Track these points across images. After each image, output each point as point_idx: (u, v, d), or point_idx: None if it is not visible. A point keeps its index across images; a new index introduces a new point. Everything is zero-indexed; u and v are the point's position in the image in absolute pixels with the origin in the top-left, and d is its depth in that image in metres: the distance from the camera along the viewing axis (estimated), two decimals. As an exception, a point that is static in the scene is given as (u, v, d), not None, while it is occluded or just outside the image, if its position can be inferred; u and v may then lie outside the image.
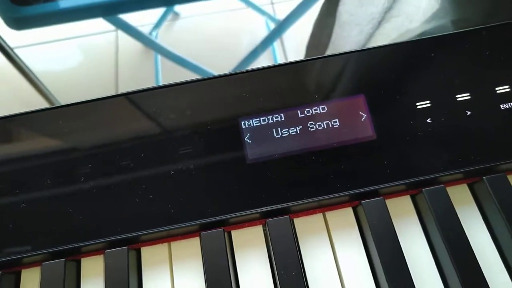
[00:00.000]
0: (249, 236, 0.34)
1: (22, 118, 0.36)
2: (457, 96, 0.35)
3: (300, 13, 0.51)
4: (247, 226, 0.34)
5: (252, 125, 0.35)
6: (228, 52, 0.49)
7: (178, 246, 0.34)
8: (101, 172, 0.34)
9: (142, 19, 0.51)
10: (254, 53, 0.48)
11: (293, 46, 0.49)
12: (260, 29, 0.51)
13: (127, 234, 0.32)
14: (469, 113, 0.35)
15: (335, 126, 0.35)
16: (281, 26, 0.50)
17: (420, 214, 0.34)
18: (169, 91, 0.36)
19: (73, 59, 0.50)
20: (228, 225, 0.34)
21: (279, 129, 0.35)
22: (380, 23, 0.47)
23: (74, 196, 0.34)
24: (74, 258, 0.34)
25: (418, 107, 0.35)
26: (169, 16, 0.52)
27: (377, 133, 0.34)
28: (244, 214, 0.33)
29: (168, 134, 0.35)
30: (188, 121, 0.35)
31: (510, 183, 0.33)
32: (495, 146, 0.34)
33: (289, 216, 0.33)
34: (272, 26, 0.51)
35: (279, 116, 0.35)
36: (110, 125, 0.36)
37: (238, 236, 0.34)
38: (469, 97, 0.35)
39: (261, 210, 0.33)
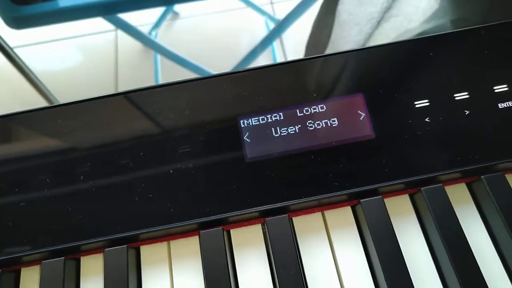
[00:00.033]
0: (248, 235, 0.34)
1: (21, 117, 0.37)
2: (455, 95, 0.35)
3: (299, 13, 0.51)
4: (246, 225, 0.34)
5: (251, 124, 0.35)
6: (227, 52, 0.49)
7: (177, 244, 0.34)
8: (100, 171, 0.34)
9: (142, 18, 0.52)
10: (254, 53, 0.48)
11: (293, 46, 0.49)
12: (260, 28, 0.51)
13: (127, 233, 0.33)
14: (467, 112, 0.35)
15: (334, 125, 0.35)
16: (281, 26, 0.50)
17: (419, 213, 0.35)
18: (168, 90, 0.36)
19: (73, 58, 0.50)
20: (227, 224, 0.34)
21: (278, 128, 0.35)
22: (379, 22, 0.47)
23: (74, 195, 0.34)
24: (73, 257, 0.34)
25: (417, 106, 0.35)
26: (169, 16, 0.52)
27: (375, 132, 0.35)
28: (243, 213, 0.33)
29: (167, 133, 0.35)
30: (187, 120, 0.35)
31: (508, 182, 0.33)
32: (493, 145, 0.34)
33: (288, 215, 0.33)
34: (272, 25, 0.51)
35: (278, 115, 0.35)
36: (109, 124, 0.36)
37: (237, 235, 0.34)
38: (467, 96, 0.35)
39: (260, 209, 0.33)
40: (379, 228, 0.32)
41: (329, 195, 0.33)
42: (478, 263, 0.31)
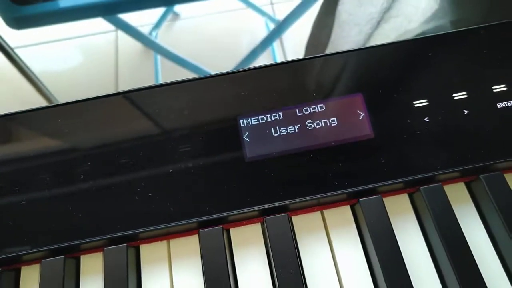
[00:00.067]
0: (248, 234, 0.34)
1: (20, 117, 0.37)
2: (454, 95, 0.35)
3: (299, 14, 0.51)
4: (246, 224, 0.35)
5: (250, 123, 0.35)
6: (227, 53, 0.49)
7: (177, 243, 0.34)
8: (100, 170, 0.34)
9: (142, 19, 0.52)
10: (254, 54, 0.48)
11: (293, 46, 0.49)
12: (260, 29, 0.51)
13: (126, 232, 0.33)
14: (466, 112, 0.35)
15: (333, 125, 0.35)
16: (281, 27, 0.50)
17: (418, 212, 0.35)
18: (168, 90, 0.37)
19: (73, 59, 0.50)
20: (226, 223, 0.34)
21: (277, 127, 0.35)
22: (379, 23, 0.47)
23: (74, 194, 0.34)
24: (73, 256, 0.34)
25: (416, 106, 0.35)
26: (169, 16, 0.53)
27: (375, 131, 0.35)
28: (242, 212, 0.33)
29: (167, 133, 0.35)
30: (187, 120, 0.35)
31: (506, 182, 0.33)
32: (492, 145, 0.34)
33: (288, 214, 0.33)
34: (272, 26, 0.51)
35: (277, 115, 0.35)
36: (109, 124, 0.36)
37: (237, 234, 0.35)
38: (466, 96, 0.35)
39: (260, 208, 0.33)
40: (378, 227, 0.32)
41: (328, 194, 0.33)
42: (477, 262, 0.31)
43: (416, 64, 0.37)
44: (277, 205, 0.33)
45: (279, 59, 0.48)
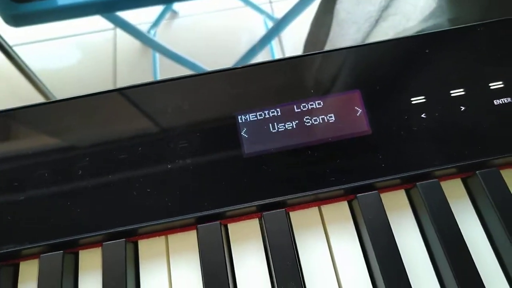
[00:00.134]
0: (246, 229, 0.35)
1: (18, 113, 0.37)
2: (451, 92, 0.36)
3: (298, 12, 0.51)
4: (244, 220, 0.35)
5: (248, 119, 0.35)
6: (226, 51, 0.49)
7: (175, 239, 0.35)
8: (99, 165, 0.34)
9: (141, 17, 0.52)
10: (252, 52, 0.48)
11: (291, 45, 0.49)
12: (258, 27, 0.51)
13: (125, 227, 0.33)
14: (463, 108, 0.35)
15: (330, 121, 0.35)
16: (279, 25, 0.50)
17: (415, 208, 0.35)
18: (166, 86, 0.37)
19: (72, 57, 0.50)
20: (224, 218, 0.34)
21: (275, 123, 0.35)
22: (377, 21, 0.47)
23: (72, 189, 0.34)
24: (72, 251, 0.34)
25: (413, 102, 0.35)
26: (168, 14, 0.53)
27: (372, 128, 0.35)
28: (240, 207, 0.33)
29: (165, 129, 0.35)
30: (185, 116, 0.36)
31: (502, 178, 0.34)
32: (488, 141, 0.34)
33: (285, 210, 0.33)
34: (270, 24, 0.51)
35: (275, 111, 0.35)
36: (108, 120, 0.36)
37: (235, 229, 0.35)
38: (463, 93, 0.36)
39: (258, 204, 0.33)
40: (376, 222, 0.33)
41: (326, 190, 0.33)
42: (473, 257, 0.31)
43: (413, 61, 0.37)
44: (275, 200, 0.33)
45: (278, 57, 0.48)
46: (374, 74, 0.37)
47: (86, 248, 0.34)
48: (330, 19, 0.49)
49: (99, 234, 0.33)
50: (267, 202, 0.33)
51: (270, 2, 0.53)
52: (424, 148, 0.34)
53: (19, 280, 0.34)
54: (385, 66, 0.37)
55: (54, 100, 0.37)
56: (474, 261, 0.31)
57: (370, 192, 0.34)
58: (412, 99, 0.35)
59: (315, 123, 0.35)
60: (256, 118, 0.35)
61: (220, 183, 0.34)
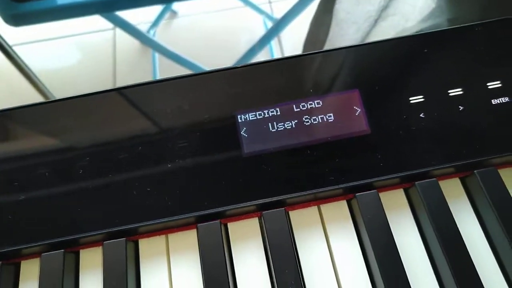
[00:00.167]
0: (245, 228, 0.35)
1: (18, 112, 0.37)
2: (449, 92, 0.36)
3: (297, 12, 0.51)
4: (244, 219, 0.35)
5: (248, 119, 0.35)
6: (225, 51, 0.49)
7: (176, 238, 0.35)
8: (99, 165, 0.34)
9: (140, 17, 0.52)
10: (252, 52, 0.48)
11: (291, 45, 0.49)
12: (258, 27, 0.51)
13: (125, 226, 0.33)
14: (461, 108, 0.35)
15: (330, 121, 0.35)
16: (279, 25, 0.51)
17: (413, 207, 0.35)
18: (166, 86, 0.37)
19: (71, 57, 0.50)
20: (224, 218, 0.34)
21: (275, 123, 0.35)
22: (376, 21, 0.47)
23: (73, 188, 0.34)
24: (73, 250, 0.34)
25: (412, 102, 0.36)
26: (167, 14, 0.53)
27: (371, 127, 0.35)
28: (240, 206, 0.33)
29: (165, 128, 0.36)
30: (184, 115, 0.36)
31: (500, 177, 0.34)
32: (486, 141, 0.34)
33: (285, 209, 0.34)
34: (270, 24, 0.51)
35: (275, 111, 0.36)
36: (107, 119, 0.36)
37: (235, 228, 0.35)
38: (461, 93, 0.36)
39: (257, 203, 0.33)
40: (374, 221, 0.33)
41: (325, 189, 0.33)
42: (471, 256, 0.31)
43: (412, 61, 0.37)
44: (274, 200, 0.33)
45: (277, 57, 0.48)
46: (373, 73, 0.37)
47: (87, 247, 0.34)
48: (330, 19, 0.49)
49: (100, 233, 0.33)
50: (266, 201, 0.33)
51: (270, 2, 0.53)
52: (422, 147, 0.34)
53: (20, 279, 0.34)
54: (384, 66, 0.37)
55: (53, 99, 0.37)
56: (472, 260, 0.31)
57: (369, 192, 0.34)
58: (410, 98, 0.36)
59: (314, 122, 0.35)
60: (255, 118, 0.35)
61: (220, 182, 0.34)
